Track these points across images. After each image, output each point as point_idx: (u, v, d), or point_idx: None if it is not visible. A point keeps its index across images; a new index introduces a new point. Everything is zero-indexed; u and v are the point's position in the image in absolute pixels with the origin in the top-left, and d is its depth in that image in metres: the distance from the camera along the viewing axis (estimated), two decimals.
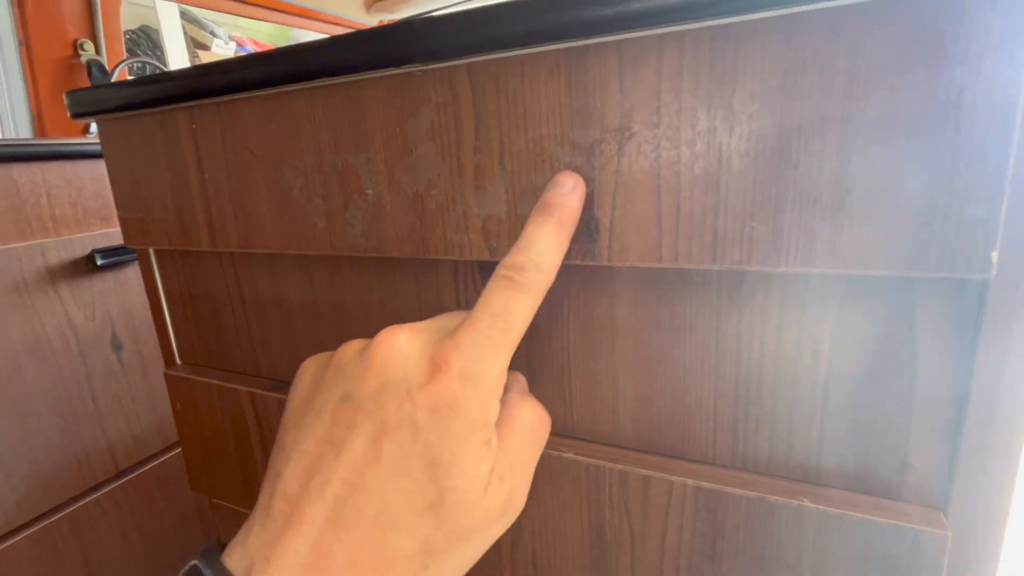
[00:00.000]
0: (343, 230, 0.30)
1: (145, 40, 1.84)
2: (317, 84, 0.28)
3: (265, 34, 2.27)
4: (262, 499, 0.21)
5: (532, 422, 0.22)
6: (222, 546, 0.21)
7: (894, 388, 0.22)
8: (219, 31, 2.12)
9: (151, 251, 0.42)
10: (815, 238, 0.20)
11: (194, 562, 0.20)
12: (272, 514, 0.20)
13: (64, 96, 0.38)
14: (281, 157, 0.31)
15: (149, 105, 0.35)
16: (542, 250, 0.21)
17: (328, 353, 0.24)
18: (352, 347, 0.22)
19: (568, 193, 0.22)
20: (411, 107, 0.26)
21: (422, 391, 0.19)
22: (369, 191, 0.29)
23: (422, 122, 0.26)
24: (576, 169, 0.23)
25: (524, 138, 0.24)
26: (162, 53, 1.77)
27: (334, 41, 0.26)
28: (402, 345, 0.21)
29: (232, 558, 0.20)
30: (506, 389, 0.23)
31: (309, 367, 0.24)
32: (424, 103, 0.26)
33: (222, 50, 2.07)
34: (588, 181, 0.23)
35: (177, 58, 1.81)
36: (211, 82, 0.31)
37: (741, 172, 0.20)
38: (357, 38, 0.26)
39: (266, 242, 0.33)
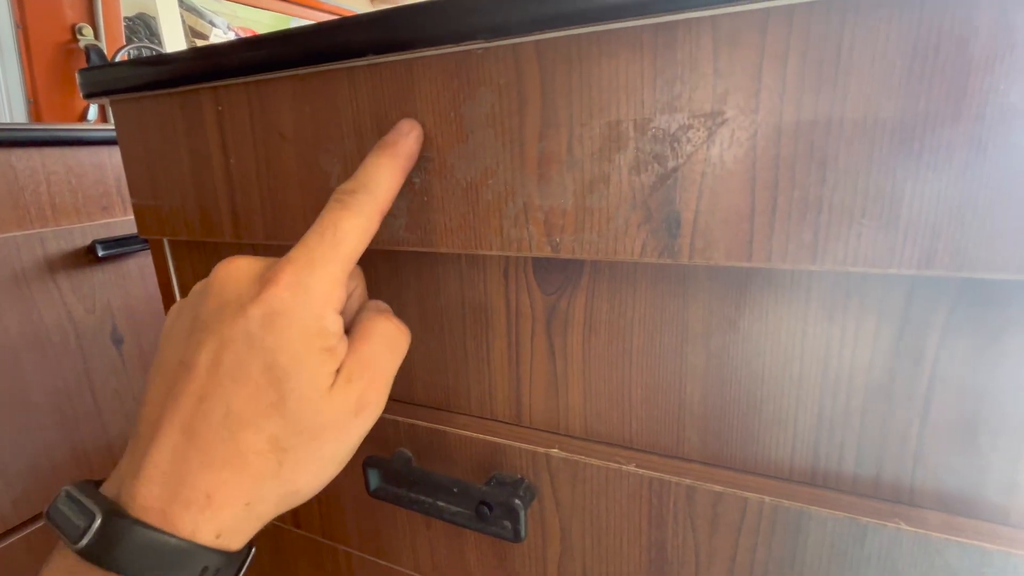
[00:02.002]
0: (385, 221, 0.28)
1: (143, 28, 1.80)
2: (361, 63, 0.26)
3: (264, 25, 2.23)
4: (131, 430, 0.22)
5: (386, 331, 0.23)
6: (100, 481, 0.22)
7: (1007, 401, 0.20)
8: (218, 20, 2.08)
9: (165, 242, 0.40)
10: (937, 237, 0.18)
11: (65, 488, 0.21)
12: (137, 439, 0.21)
13: (77, 75, 0.35)
14: (317, 142, 0.29)
15: (170, 85, 0.32)
16: (374, 176, 0.23)
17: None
18: (202, 281, 0.24)
19: (406, 135, 0.24)
20: (468, 89, 0.24)
21: (253, 303, 0.21)
22: (416, 180, 0.26)
23: (480, 105, 0.24)
24: (658, 158, 0.21)
25: (598, 124, 0.22)
26: (160, 42, 1.73)
27: (383, 16, 0.24)
28: (238, 266, 0.22)
29: (105, 485, 0.22)
30: (365, 310, 0.25)
31: (172, 310, 0.25)
32: (484, 84, 0.24)
33: (221, 40, 2.03)
34: (672, 171, 0.21)
35: (175, 47, 1.77)
36: (240, 60, 0.29)
37: (852, 163, 0.18)
38: (409, 12, 0.24)
39: (297, 233, 0.31)
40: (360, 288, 0.26)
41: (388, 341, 0.23)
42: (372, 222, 0.23)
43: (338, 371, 0.22)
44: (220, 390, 0.20)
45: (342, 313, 0.23)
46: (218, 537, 0.20)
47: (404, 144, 0.24)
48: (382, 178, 0.23)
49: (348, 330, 0.23)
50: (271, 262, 0.22)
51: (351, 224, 0.22)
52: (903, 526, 0.21)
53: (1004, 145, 0.17)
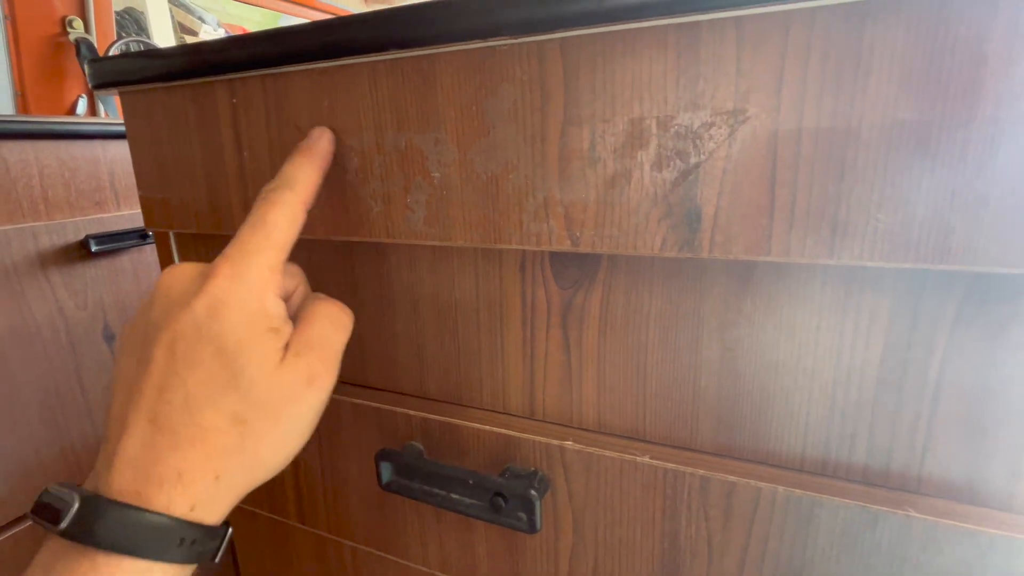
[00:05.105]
0: (402, 215, 0.28)
1: (131, 24, 1.78)
2: (382, 58, 0.26)
3: (254, 22, 2.21)
4: (103, 433, 0.24)
5: (328, 311, 0.26)
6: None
7: (1014, 392, 0.21)
8: (208, 17, 2.06)
9: (171, 234, 0.40)
10: (950, 233, 0.19)
11: (46, 487, 0.22)
12: (108, 437, 0.23)
13: (86, 66, 0.35)
14: (335, 136, 0.29)
15: (183, 77, 0.32)
16: (292, 174, 0.26)
17: None
18: (147, 297, 0.26)
19: (318, 138, 0.28)
20: (491, 84, 0.24)
21: (197, 297, 0.23)
22: (436, 174, 0.27)
23: (503, 101, 0.24)
24: (680, 155, 0.22)
25: (621, 121, 0.22)
26: (148, 38, 1.71)
27: (407, 11, 0.25)
28: (180, 270, 0.25)
29: (86, 483, 0.23)
30: (308, 299, 0.27)
31: (124, 328, 0.27)
32: (506, 80, 0.24)
33: (211, 37, 2.01)
34: (694, 168, 0.22)
35: (164, 43, 1.75)
36: (258, 53, 0.29)
37: (870, 161, 0.19)
38: (435, 7, 0.24)
39: (310, 226, 0.31)
40: (302, 287, 0.28)
41: (331, 319, 0.26)
42: (297, 212, 0.25)
43: (286, 348, 0.24)
44: (177, 378, 0.22)
45: (286, 301, 0.26)
46: (192, 510, 0.22)
47: (318, 145, 0.28)
48: (300, 174, 0.26)
49: (294, 319, 0.26)
50: (210, 264, 0.24)
51: (276, 215, 0.25)
52: (913, 513, 0.22)
53: (1018, 145, 0.17)
